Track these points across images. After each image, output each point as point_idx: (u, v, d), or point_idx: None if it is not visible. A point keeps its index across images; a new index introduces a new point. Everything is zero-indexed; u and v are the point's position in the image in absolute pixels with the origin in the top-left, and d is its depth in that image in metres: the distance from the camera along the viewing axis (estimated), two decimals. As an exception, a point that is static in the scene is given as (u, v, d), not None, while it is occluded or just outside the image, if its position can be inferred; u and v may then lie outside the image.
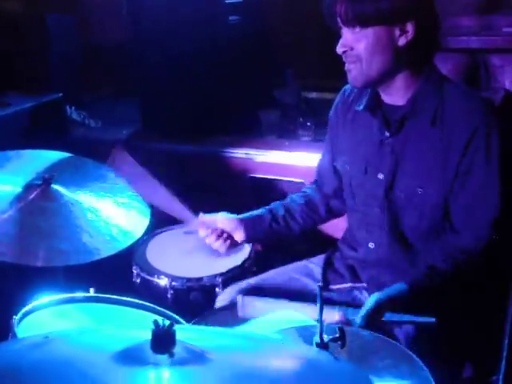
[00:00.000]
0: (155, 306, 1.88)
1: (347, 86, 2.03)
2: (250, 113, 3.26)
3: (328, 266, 2.11)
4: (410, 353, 1.49)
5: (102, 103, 3.96)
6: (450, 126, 1.78)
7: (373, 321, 1.64)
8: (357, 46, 1.76)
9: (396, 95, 1.85)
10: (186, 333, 1.14)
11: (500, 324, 1.65)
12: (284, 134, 3.19)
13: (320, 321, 1.35)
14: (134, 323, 1.74)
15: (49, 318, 1.78)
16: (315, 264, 2.12)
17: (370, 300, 1.70)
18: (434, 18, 1.80)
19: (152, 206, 2.05)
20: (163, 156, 3.20)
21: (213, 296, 2.18)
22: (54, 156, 2.15)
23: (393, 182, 1.87)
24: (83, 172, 2.14)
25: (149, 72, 3.24)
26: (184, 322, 1.77)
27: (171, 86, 3.16)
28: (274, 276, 2.10)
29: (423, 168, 1.82)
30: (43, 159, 2.12)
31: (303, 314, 1.69)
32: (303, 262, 2.16)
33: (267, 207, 2.13)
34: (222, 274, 2.22)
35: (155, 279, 2.26)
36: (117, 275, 2.34)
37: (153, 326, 1.06)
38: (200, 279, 2.23)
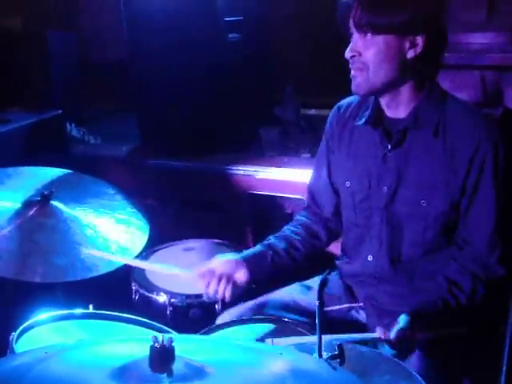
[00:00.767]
0: (154, 323, 1.87)
1: (341, 103, 2.03)
2: (250, 130, 3.27)
3: (324, 287, 2.10)
4: (409, 369, 1.48)
5: (101, 120, 3.97)
6: (453, 138, 1.79)
7: (405, 338, 1.62)
8: (365, 52, 1.77)
9: (398, 108, 1.85)
10: (185, 345, 1.13)
11: (499, 338, 1.64)
12: (284, 150, 3.20)
13: (319, 338, 1.34)
14: (133, 338, 1.72)
15: (48, 334, 1.78)
16: (311, 286, 2.11)
17: (401, 319, 1.68)
18: (443, 34, 1.82)
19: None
20: (162, 173, 3.21)
21: (212, 313, 2.17)
22: (53, 173, 2.15)
23: (394, 195, 1.88)
24: (82, 188, 2.15)
25: (148, 89, 3.25)
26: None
27: (170, 102, 3.17)
28: (273, 299, 2.08)
29: (426, 180, 1.82)
30: (43, 176, 2.13)
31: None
32: (300, 284, 2.14)
33: (265, 242, 2.06)
34: (221, 291, 2.21)
35: (154, 296, 2.25)
36: (116, 292, 2.33)
37: (151, 342, 1.05)
38: (199, 296, 2.22)
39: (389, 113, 1.88)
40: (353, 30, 1.79)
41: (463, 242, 1.85)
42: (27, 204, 1.95)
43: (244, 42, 3.24)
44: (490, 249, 1.81)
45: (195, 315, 2.21)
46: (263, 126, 3.23)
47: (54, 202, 1.98)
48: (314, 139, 3.16)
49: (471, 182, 1.79)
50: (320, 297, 2.04)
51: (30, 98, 3.51)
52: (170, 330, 1.86)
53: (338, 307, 2.03)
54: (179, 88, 3.12)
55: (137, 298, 2.30)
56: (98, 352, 1.16)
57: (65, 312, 1.85)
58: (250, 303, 2.05)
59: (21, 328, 1.73)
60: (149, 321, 1.89)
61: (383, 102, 1.86)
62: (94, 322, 1.86)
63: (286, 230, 2.11)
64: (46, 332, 1.78)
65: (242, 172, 3.05)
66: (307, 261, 2.12)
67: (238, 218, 3.04)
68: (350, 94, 1.89)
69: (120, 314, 1.89)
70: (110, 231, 1.99)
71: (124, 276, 2.34)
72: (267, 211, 2.98)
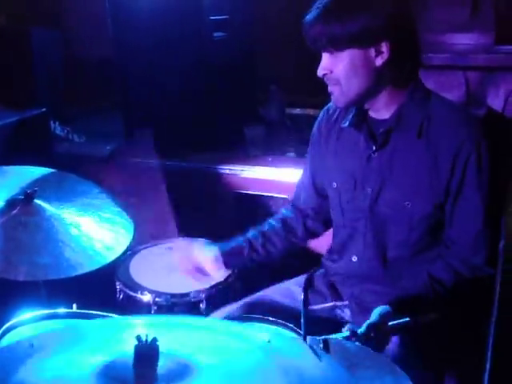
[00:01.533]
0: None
1: (330, 104, 2.04)
2: (235, 129, 3.27)
3: (309, 286, 2.12)
4: (394, 364, 1.49)
5: (85, 118, 3.95)
6: (437, 138, 1.79)
7: (378, 329, 1.63)
8: (335, 69, 1.78)
9: (381, 110, 1.86)
10: (170, 336, 1.13)
11: (483, 334, 1.65)
12: (269, 149, 3.20)
13: (304, 334, 1.35)
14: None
15: (31, 333, 1.76)
16: (296, 285, 2.12)
17: (374, 313, 1.70)
18: (410, 35, 1.80)
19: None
20: (147, 172, 3.20)
21: (197, 312, 2.17)
22: (37, 172, 2.14)
23: (378, 196, 1.88)
24: (66, 187, 2.14)
25: (132, 87, 3.24)
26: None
27: (155, 101, 3.16)
28: (258, 299, 2.09)
29: (410, 181, 1.83)
30: (27, 175, 2.12)
31: None
32: (284, 284, 2.15)
33: (246, 236, 2.14)
34: (206, 290, 2.21)
35: (138, 295, 2.24)
36: (100, 291, 2.32)
37: (135, 341, 1.05)
38: (184, 295, 2.21)
39: (373, 114, 1.89)
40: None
41: (450, 242, 1.85)
42: (10, 203, 1.94)
43: (229, 40, 3.24)
44: (476, 248, 1.81)
45: (180, 314, 2.20)
46: (248, 125, 3.23)
47: (38, 201, 1.97)
48: (299, 138, 3.18)
49: (455, 182, 1.79)
50: (305, 295, 2.05)
51: (13, 96, 3.48)
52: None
53: (322, 306, 2.05)
54: (164, 87, 3.11)
55: (121, 297, 2.29)
56: (82, 351, 1.16)
57: (48, 312, 1.84)
58: (236, 304, 2.06)
59: (4, 328, 1.72)
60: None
61: (366, 105, 1.87)
62: (78, 322, 1.85)
63: (267, 224, 2.18)
64: (29, 332, 1.77)
65: (227, 171, 3.05)
66: (284, 256, 2.19)
67: (223, 217, 3.04)
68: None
69: (104, 314, 1.87)
70: (95, 230, 1.98)
71: (108, 275, 2.34)
72: (252, 210, 2.99)
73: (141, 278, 2.32)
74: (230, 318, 1.94)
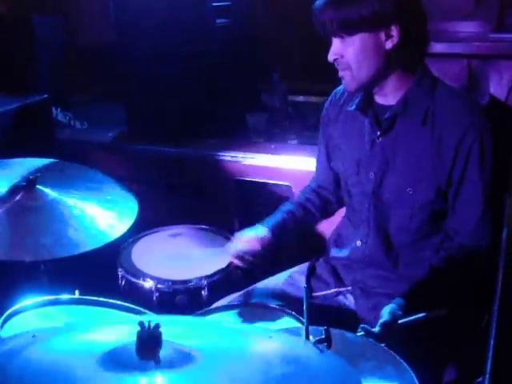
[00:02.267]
0: (140, 309, 1.87)
1: (338, 88, 2.06)
2: (237, 116, 3.26)
3: (312, 273, 2.12)
4: (395, 355, 1.50)
5: (87, 105, 3.95)
6: (441, 126, 1.80)
7: (391, 327, 1.65)
8: (346, 53, 1.80)
9: (388, 95, 1.87)
10: (173, 329, 1.13)
11: (484, 324, 1.66)
12: (271, 137, 3.20)
13: (306, 322, 1.35)
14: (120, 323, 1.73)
15: (34, 319, 1.77)
16: (299, 273, 2.13)
17: (384, 311, 1.71)
18: (419, 19, 1.82)
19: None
20: (149, 158, 3.19)
21: (198, 299, 2.18)
22: (39, 162, 2.16)
23: (381, 181, 1.89)
24: (69, 175, 2.16)
25: (135, 74, 3.23)
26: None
27: (157, 88, 3.15)
28: (261, 287, 2.10)
29: (413, 168, 1.84)
30: (29, 165, 2.14)
31: None
32: (287, 272, 2.16)
33: (285, 210, 2.13)
34: (207, 277, 2.22)
35: (140, 281, 2.25)
36: (102, 277, 2.33)
37: (138, 328, 1.05)
38: (186, 282, 2.22)
39: (379, 99, 1.90)
40: (329, 34, 1.81)
41: (452, 231, 1.86)
42: (13, 189, 1.97)
43: (232, 27, 3.23)
44: (479, 237, 1.82)
45: (181, 301, 2.21)
46: (250, 112, 3.22)
47: (40, 187, 1.99)
48: (301, 126, 3.17)
49: (458, 171, 1.79)
50: (307, 282, 2.06)
51: (15, 83, 3.48)
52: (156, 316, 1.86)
53: (325, 292, 2.05)
54: (166, 73, 3.10)
55: (123, 283, 2.30)
56: (86, 337, 1.16)
57: (51, 298, 1.85)
58: (239, 293, 2.07)
59: (6, 313, 1.72)
60: (135, 306, 1.88)
61: (374, 90, 1.88)
62: (81, 308, 1.86)
63: (301, 196, 2.21)
64: (31, 318, 1.78)
65: (229, 158, 3.04)
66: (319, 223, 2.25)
67: (225, 204, 3.04)
68: (338, 80, 1.90)
69: (106, 300, 1.88)
70: (98, 211, 2.00)
71: (110, 262, 2.34)
72: (254, 197, 2.99)
73: (143, 265, 2.33)
74: (233, 305, 1.95)
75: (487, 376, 1.04)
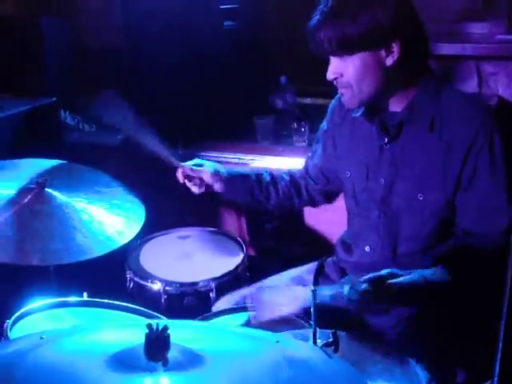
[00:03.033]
0: (148, 311, 1.88)
1: None
2: (245, 118, 3.26)
3: (320, 273, 2.12)
4: (404, 357, 1.49)
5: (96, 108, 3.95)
6: (449, 131, 1.78)
7: (377, 287, 1.61)
8: (345, 72, 1.77)
9: (393, 104, 1.85)
10: (181, 332, 1.13)
11: (493, 327, 1.65)
12: (278, 139, 3.20)
13: (314, 325, 1.35)
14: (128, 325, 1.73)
15: (42, 321, 1.78)
16: (307, 272, 2.12)
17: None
18: (418, 31, 1.79)
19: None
20: (157, 161, 3.19)
21: (207, 301, 2.18)
22: (48, 163, 2.17)
23: (391, 187, 1.87)
24: (77, 178, 2.16)
25: (143, 77, 3.24)
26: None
27: (165, 91, 3.16)
28: (267, 285, 2.09)
29: (423, 173, 1.82)
30: (37, 166, 2.14)
31: None
32: (295, 271, 2.15)
33: (255, 171, 2.19)
34: (215, 279, 2.22)
35: (148, 284, 2.25)
36: (110, 279, 2.33)
37: (146, 330, 1.05)
38: (194, 284, 2.22)
39: (384, 106, 1.88)
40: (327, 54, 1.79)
41: (463, 233, 1.83)
42: (22, 192, 1.97)
43: (239, 29, 3.23)
44: (493, 238, 1.78)
45: (190, 303, 2.21)
46: (258, 114, 3.22)
47: (49, 190, 2.00)
48: (309, 128, 3.16)
49: (468, 173, 1.77)
50: (315, 283, 2.05)
51: (23, 85, 3.48)
52: (164, 318, 1.86)
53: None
54: (174, 76, 3.11)
55: (131, 285, 2.30)
56: (93, 339, 1.17)
57: (59, 300, 1.85)
58: (245, 290, 2.06)
59: (15, 316, 1.73)
60: (143, 309, 1.89)
61: (375, 102, 1.86)
62: (89, 310, 1.86)
63: (280, 172, 2.22)
64: (40, 320, 1.78)
65: (236, 160, 3.04)
66: (275, 209, 2.28)
67: (233, 206, 3.04)
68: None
69: (115, 302, 1.89)
70: (105, 216, 2.01)
71: (119, 264, 2.35)
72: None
73: (151, 267, 2.33)
74: (240, 304, 1.94)
75: (495, 379, 1.04)
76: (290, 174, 2.23)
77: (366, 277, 1.61)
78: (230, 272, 2.26)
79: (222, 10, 3.16)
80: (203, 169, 2.13)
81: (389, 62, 1.74)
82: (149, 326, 1.06)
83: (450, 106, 1.80)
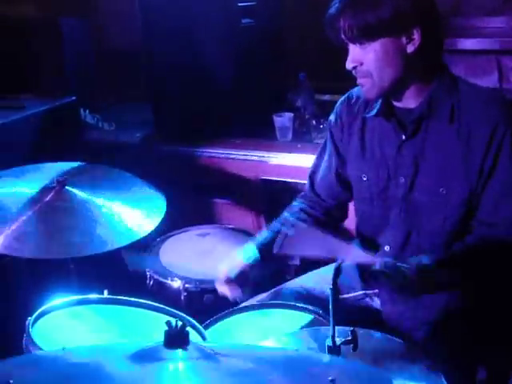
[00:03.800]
0: (169, 308, 1.89)
1: (350, 94, 2.01)
2: (263, 116, 3.26)
3: (338, 274, 2.10)
4: (423, 355, 1.48)
5: (115, 107, 3.98)
6: (469, 122, 1.76)
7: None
8: (366, 60, 1.75)
9: (408, 99, 1.83)
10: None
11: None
12: (297, 136, 3.19)
13: (332, 324, 1.35)
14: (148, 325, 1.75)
15: (63, 319, 1.79)
16: (326, 273, 2.11)
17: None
18: (437, 20, 1.78)
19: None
20: (176, 159, 3.21)
21: (226, 298, 2.18)
22: (68, 165, 2.22)
23: (413, 185, 1.85)
24: (98, 177, 2.20)
25: (161, 75, 3.25)
26: (198, 324, 1.77)
27: (183, 89, 3.17)
28: (289, 287, 2.09)
29: (445, 167, 1.80)
30: (58, 168, 2.20)
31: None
32: (315, 272, 2.14)
33: (274, 230, 2.06)
34: (235, 276, 2.22)
35: (168, 281, 2.26)
36: (130, 277, 2.35)
37: (166, 327, 1.06)
38: (214, 281, 2.22)
39: (398, 103, 1.86)
40: (346, 41, 1.77)
41: (486, 226, 1.81)
42: (44, 190, 2.02)
43: (257, 27, 3.23)
44: (509, 227, 1.77)
45: (209, 300, 2.22)
46: (276, 111, 3.22)
47: (69, 188, 2.04)
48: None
49: (488, 165, 1.76)
50: (334, 283, 2.04)
51: (44, 85, 3.52)
52: (184, 315, 1.87)
53: (352, 294, 2.03)
54: (192, 75, 3.12)
55: (151, 283, 2.32)
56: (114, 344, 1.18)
57: (80, 297, 1.87)
58: (267, 293, 2.07)
59: (37, 313, 1.75)
60: (163, 306, 1.89)
61: (395, 94, 1.84)
62: (109, 307, 1.88)
63: (289, 216, 2.09)
64: (61, 317, 1.80)
65: (255, 158, 3.05)
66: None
67: (251, 204, 3.05)
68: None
69: (135, 299, 1.90)
70: (126, 210, 2.04)
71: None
72: (280, 196, 2.98)
73: (171, 265, 2.34)
74: (261, 305, 1.95)
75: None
76: (304, 210, 2.11)
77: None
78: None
79: (239, 7, 3.16)
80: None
81: (410, 49, 1.73)
82: (168, 322, 1.06)
83: (468, 97, 1.79)
